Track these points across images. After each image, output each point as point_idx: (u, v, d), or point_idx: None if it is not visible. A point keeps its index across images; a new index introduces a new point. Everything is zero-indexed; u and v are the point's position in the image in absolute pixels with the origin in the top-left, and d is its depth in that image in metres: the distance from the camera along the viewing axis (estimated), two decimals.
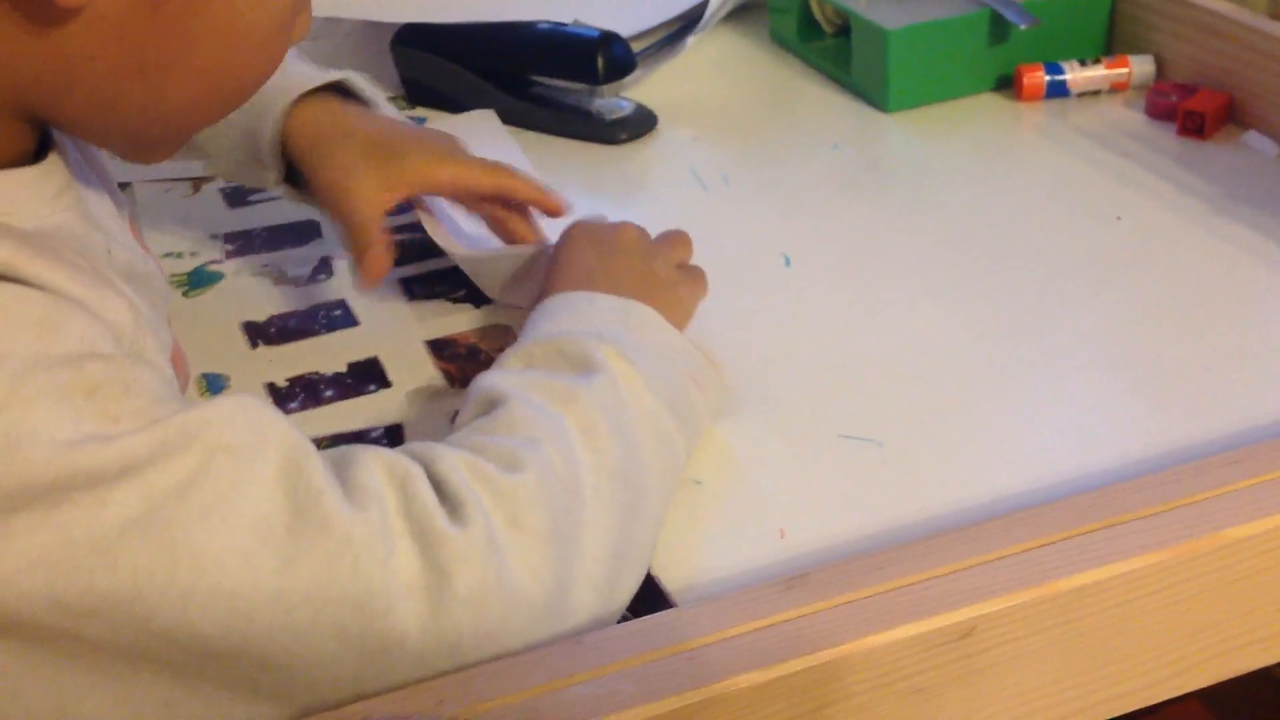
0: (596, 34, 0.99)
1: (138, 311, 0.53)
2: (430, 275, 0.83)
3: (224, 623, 0.47)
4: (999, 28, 1.00)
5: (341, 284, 0.83)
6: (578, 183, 0.96)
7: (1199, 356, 0.72)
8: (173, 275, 0.84)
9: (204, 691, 0.48)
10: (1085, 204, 0.87)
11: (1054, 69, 0.99)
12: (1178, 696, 0.58)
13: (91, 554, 0.45)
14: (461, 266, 0.79)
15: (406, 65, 1.06)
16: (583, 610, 0.54)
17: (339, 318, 0.80)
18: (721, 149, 0.98)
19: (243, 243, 0.88)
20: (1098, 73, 0.99)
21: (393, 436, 0.69)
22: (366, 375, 0.75)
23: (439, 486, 0.52)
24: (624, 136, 0.99)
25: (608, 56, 0.98)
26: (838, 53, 1.07)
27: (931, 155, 0.96)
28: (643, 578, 0.57)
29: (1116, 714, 0.57)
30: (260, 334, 0.79)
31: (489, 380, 0.60)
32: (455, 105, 1.03)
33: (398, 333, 0.78)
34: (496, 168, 0.78)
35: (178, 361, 0.60)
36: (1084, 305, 0.77)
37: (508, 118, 1.01)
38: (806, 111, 1.04)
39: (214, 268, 0.86)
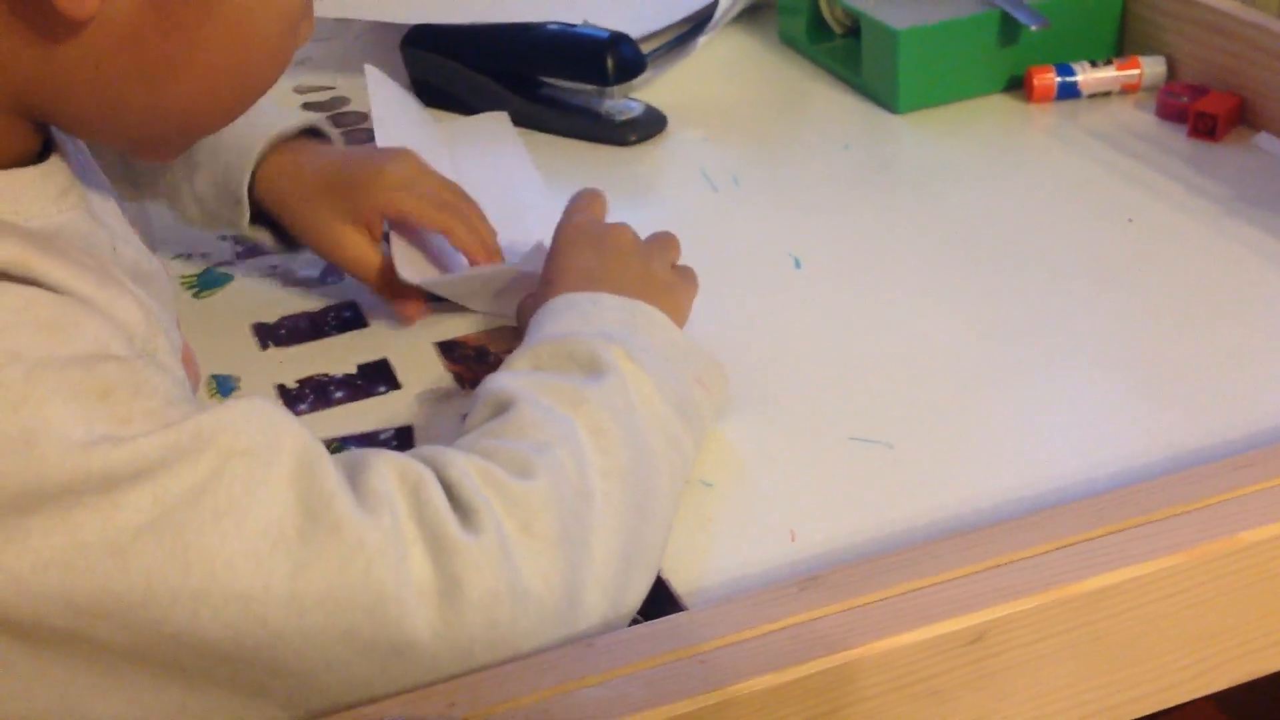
0: (606, 35, 0.99)
1: (148, 311, 0.53)
2: None
3: (236, 627, 0.47)
4: (1009, 29, 1.00)
5: (351, 285, 0.83)
6: (587, 184, 0.95)
7: (1211, 358, 0.71)
8: (183, 277, 0.84)
9: (216, 695, 0.48)
10: (1096, 205, 0.87)
11: (1065, 70, 0.99)
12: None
13: (104, 557, 0.45)
14: (436, 292, 0.78)
15: (416, 66, 1.06)
16: (593, 614, 0.53)
17: (349, 319, 0.80)
18: (731, 150, 0.98)
19: (252, 244, 0.88)
20: (1109, 74, 0.99)
21: (402, 438, 0.69)
22: (376, 377, 0.75)
23: (450, 492, 0.52)
24: (633, 138, 0.99)
25: (617, 57, 0.98)
26: (847, 53, 1.06)
27: (942, 156, 0.96)
28: (653, 581, 0.57)
29: (1134, 717, 0.57)
30: (270, 335, 0.79)
31: (498, 382, 0.60)
32: (465, 106, 1.03)
33: (407, 334, 0.78)
34: (445, 207, 0.77)
35: (188, 362, 0.60)
36: (1095, 307, 0.77)
37: (517, 119, 1.01)
38: (816, 112, 1.04)
39: (224, 269, 0.86)
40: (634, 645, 0.50)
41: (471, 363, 0.75)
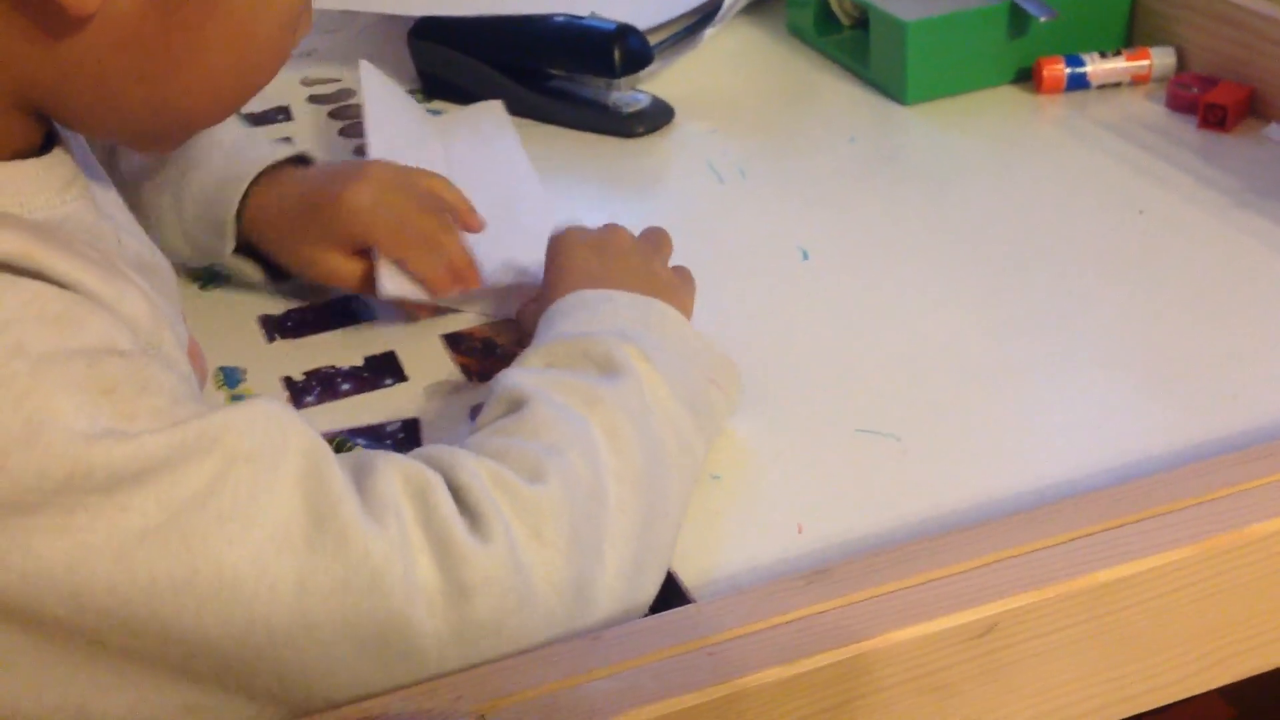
0: (613, 27, 0.99)
1: (154, 305, 0.53)
2: None
3: (241, 633, 0.46)
4: (1018, 20, 0.99)
5: None
6: (594, 176, 0.96)
7: (1222, 351, 0.71)
8: (190, 269, 0.84)
9: (223, 697, 0.48)
10: (1105, 197, 0.87)
11: (1074, 61, 0.99)
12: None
13: (110, 561, 0.45)
14: (440, 303, 0.77)
15: (423, 59, 1.06)
16: (602, 619, 0.53)
17: (355, 311, 0.80)
18: (738, 142, 0.98)
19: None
20: (1118, 65, 0.99)
21: (409, 430, 0.69)
22: (383, 369, 0.75)
23: (460, 496, 0.51)
24: (640, 130, 0.99)
25: (624, 49, 0.98)
26: (855, 45, 1.06)
27: (950, 148, 0.96)
28: (661, 583, 0.57)
29: (1140, 711, 0.57)
30: (277, 327, 0.79)
31: (512, 379, 0.60)
32: (471, 99, 1.02)
33: (414, 327, 0.78)
34: (406, 230, 0.75)
35: (195, 357, 0.60)
36: (1104, 299, 0.76)
37: (524, 111, 1.01)
38: (824, 104, 1.04)
39: None
40: (642, 637, 0.50)
41: (478, 355, 0.75)
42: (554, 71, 1.03)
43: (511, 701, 0.47)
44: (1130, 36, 1.03)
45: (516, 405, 0.58)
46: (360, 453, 0.53)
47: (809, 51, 1.11)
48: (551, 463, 0.54)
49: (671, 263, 0.75)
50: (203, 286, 0.83)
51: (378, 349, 0.76)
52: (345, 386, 0.73)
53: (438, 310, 0.78)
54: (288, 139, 1.02)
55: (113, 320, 0.49)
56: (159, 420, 0.47)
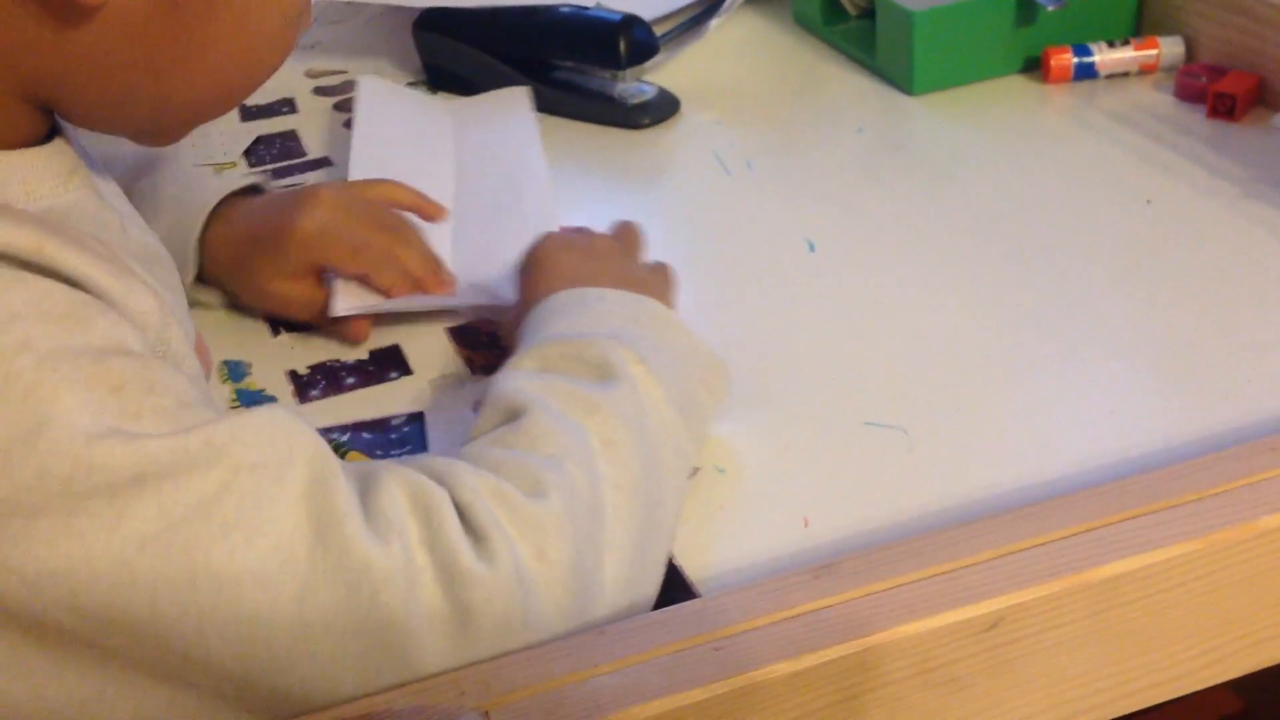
0: (618, 17, 0.98)
1: (162, 300, 0.53)
2: None
3: (241, 647, 0.46)
4: (1026, 9, 0.99)
5: None
6: (599, 168, 0.95)
7: (1229, 342, 0.71)
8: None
9: (225, 711, 0.47)
10: (1114, 188, 0.86)
11: (1082, 51, 0.98)
12: None
13: (110, 569, 0.44)
14: (383, 311, 0.76)
15: (428, 50, 1.06)
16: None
17: None
18: (745, 133, 0.97)
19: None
20: (1126, 54, 0.98)
21: (414, 424, 0.69)
22: (388, 362, 0.74)
23: (462, 515, 0.51)
24: (646, 121, 0.99)
25: (630, 40, 0.98)
26: (862, 35, 1.06)
27: (957, 139, 0.95)
28: (656, 594, 0.56)
29: (1149, 704, 0.57)
30: (281, 321, 0.78)
31: (508, 385, 0.58)
32: (477, 90, 1.02)
33: (419, 320, 0.78)
34: (361, 250, 0.74)
35: (200, 351, 0.60)
36: (1112, 290, 0.76)
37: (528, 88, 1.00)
38: (830, 95, 1.03)
39: None
40: (647, 632, 0.50)
41: (484, 349, 0.75)
42: (559, 63, 1.02)
43: (515, 697, 0.47)
44: (1138, 26, 1.02)
45: (514, 414, 0.57)
46: (364, 463, 0.53)
47: (815, 42, 1.10)
48: (552, 477, 0.53)
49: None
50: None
51: (382, 343, 0.76)
52: (350, 380, 0.73)
53: (371, 329, 0.76)
54: (287, 131, 1.02)
55: (121, 321, 0.49)
56: (164, 423, 0.46)
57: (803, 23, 1.12)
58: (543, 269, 0.69)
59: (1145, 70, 0.99)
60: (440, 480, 0.52)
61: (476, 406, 0.60)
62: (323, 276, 0.75)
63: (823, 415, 0.68)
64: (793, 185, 0.90)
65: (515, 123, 0.96)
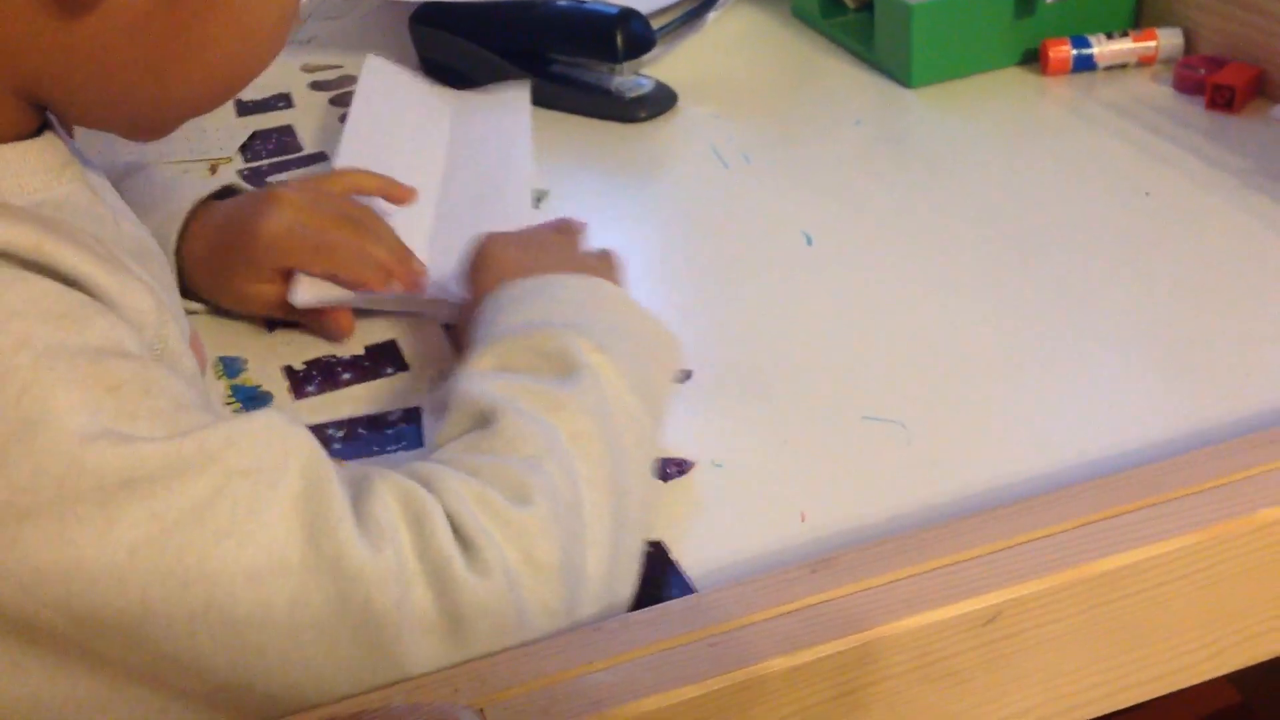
0: (615, 10, 0.98)
1: (159, 297, 0.53)
2: None
3: (233, 654, 0.46)
4: (1024, 1, 0.99)
5: None
6: (596, 162, 0.95)
7: (1229, 334, 0.70)
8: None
9: (220, 717, 0.47)
10: (1112, 180, 0.86)
11: (1080, 43, 0.98)
12: None
13: (102, 574, 0.44)
14: (344, 306, 0.76)
15: (424, 44, 1.06)
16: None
17: None
18: (742, 126, 0.97)
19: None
20: (1125, 46, 0.98)
21: (410, 419, 0.69)
22: (384, 358, 0.74)
23: (450, 521, 0.50)
24: (643, 114, 0.98)
25: (627, 33, 0.97)
26: (860, 28, 1.05)
27: (955, 131, 0.95)
28: (634, 587, 0.56)
29: (1146, 698, 0.56)
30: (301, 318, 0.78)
31: (473, 388, 0.57)
32: (474, 84, 1.02)
33: (415, 316, 0.77)
34: (322, 249, 0.73)
35: (195, 347, 0.60)
36: (1111, 282, 0.76)
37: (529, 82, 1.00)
38: (828, 88, 1.03)
39: None
40: (642, 629, 0.50)
41: None
42: (556, 56, 1.02)
43: (510, 695, 0.47)
44: (1137, 17, 1.02)
45: (485, 418, 0.56)
46: (355, 468, 0.52)
47: (813, 35, 1.10)
48: (534, 480, 0.52)
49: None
50: None
51: (379, 338, 0.76)
52: (346, 376, 0.73)
53: (359, 315, 0.76)
54: (285, 124, 1.02)
55: (119, 322, 0.49)
56: (160, 426, 0.46)
57: (800, 15, 1.12)
58: (489, 265, 0.69)
59: (1144, 62, 0.98)
60: (425, 486, 0.51)
61: (436, 410, 0.59)
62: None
63: (819, 409, 0.67)
64: (790, 178, 0.90)
65: (509, 119, 0.96)
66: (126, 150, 0.85)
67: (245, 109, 1.04)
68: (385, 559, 0.48)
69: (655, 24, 1.03)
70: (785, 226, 0.83)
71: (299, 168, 0.95)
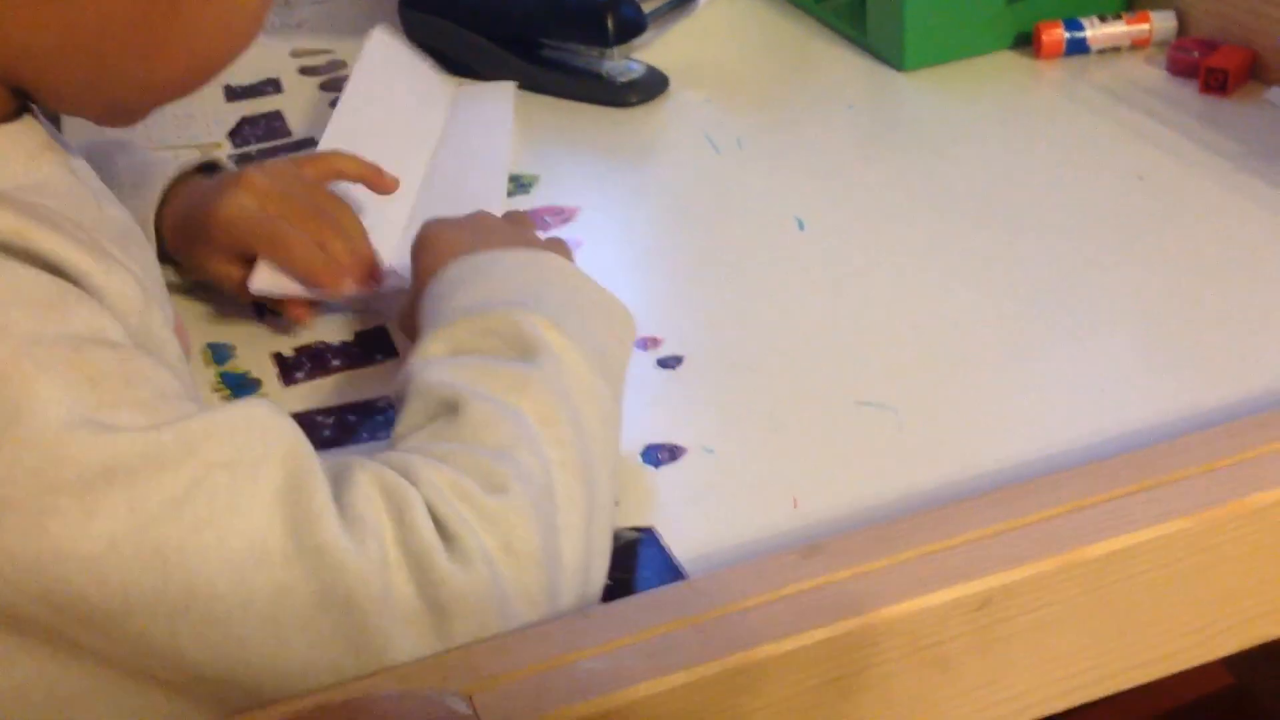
0: None
1: (142, 283, 0.52)
2: None
3: (215, 648, 0.45)
4: None
5: None
6: (587, 147, 0.95)
7: (1222, 318, 0.70)
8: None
9: (202, 709, 0.47)
10: (1106, 163, 0.86)
11: (1073, 25, 0.98)
12: None
13: (81, 566, 0.44)
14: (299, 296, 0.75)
15: (414, 29, 1.05)
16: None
17: None
18: (734, 111, 0.97)
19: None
20: (1118, 29, 0.98)
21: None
22: (374, 345, 0.74)
23: (430, 513, 0.50)
24: (635, 99, 0.98)
25: (618, 18, 0.97)
26: (853, 11, 1.05)
27: (948, 115, 0.95)
28: (607, 570, 0.55)
29: (1139, 682, 0.56)
30: (267, 304, 0.78)
31: (432, 377, 0.56)
32: (463, 69, 1.01)
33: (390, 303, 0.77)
34: (275, 238, 0.72)
35: (179, 333, 0.59)
36: (1105, 266, 0.76)
37: (516, 81, 0.99)
38: (821, 72, 1.02)
39: None
40: (633, 615, 0.49)
41: None
42: (547, 40, 1.01)
43: (500, 681, 0.46)
44: (1130, 0, 1.01)
45: (448, 407, 0.55)
46: (334, 459, 0.52)
47: (805, 18, 1.09)
48: (508, 468, 0.52)
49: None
50: None
51: (369, 325, 0.75)
52: (335, 363, 0.72)
53: (315, 307, 0.75)
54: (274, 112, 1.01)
55: (102, 311, 0.48)
56: (141, 415, 0.46)
57: None
58: (432, 247, 0.67)
59: (1137, 45, 0.98)
60: (400, 473, 0.51)
61: (396, 399, 0.58)
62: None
63: (811, 395, 0.67)
64: (783, 163, 0.89)
65: (492, 119, 0.95)
66: (113, 132, 0.85)
67: (234, 94, 1.03)
68: (367, 550, 0.47)
69: (646, 8, 1.02)
70: (777, 211, 0.83)
71: (288, 153, 0.94)
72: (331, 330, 0.75)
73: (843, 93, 0.98)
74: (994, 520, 0.53)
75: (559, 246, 0.70)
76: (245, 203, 0.73)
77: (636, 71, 0.99)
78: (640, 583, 0.56)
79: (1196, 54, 0.93)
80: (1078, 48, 0.98)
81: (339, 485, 0.49)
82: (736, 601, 0.50)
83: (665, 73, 1.00)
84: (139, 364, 0.48)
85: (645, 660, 0.47)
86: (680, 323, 0.73)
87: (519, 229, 0.70)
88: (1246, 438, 0.56)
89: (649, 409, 0.66)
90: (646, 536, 0.59)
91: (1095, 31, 0.98)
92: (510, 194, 0.87)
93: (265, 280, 0.72)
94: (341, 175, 0.78)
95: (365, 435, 0.67)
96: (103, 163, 0.71)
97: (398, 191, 0.80)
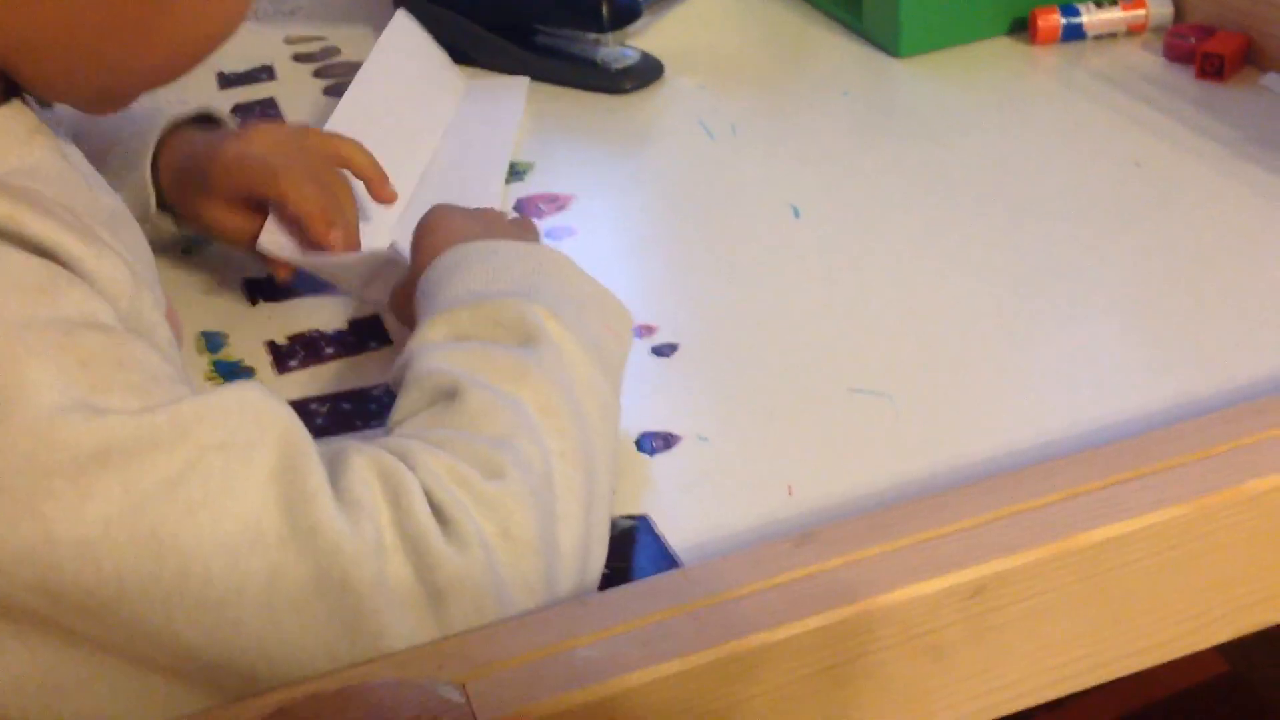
0: None
1: (133, 268, 0.52)
2: None
3: (210, 631, 0.45)
4: None
5: None
6: (582, 133, 0.94)
7: (1218, 304, 0.70)
8: (172, 232, 0.83)
9: (198, 696, 0.47)
10: (1102, 149, 0.85)
11: (1070, 11, 0.97)
12: None
13: (75, 551, 0.44)
14: (298, 265, 0.75)
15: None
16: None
17: None
18: (729, 98, 0.96)
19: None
20: (1114, 15, 0.97)
21: (394, 394, 0.68)
22: (368, 333, 0.74)
23: (427, 497, 0.50)
24: (630, 86, 0.98)
25: (612, 4, 0.97)
26: None
27: (944, 101, 0.94)
28: (604, 559, 0.55)
29: (1134, 670, 0.56)
30: (261, 291, 0.78)
31: (431, 363, 0.56)
32: (460, 56, 1.01)
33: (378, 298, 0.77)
34: (273, 180, 0.72)
35: (170, 318, 0.59)
36: (1101, 253, 0.75)
37: (511, 68, 0.99)
38: (816, 58, 1.02)
39: None
40: (627, 603, 0.49)
41: None
42: (542, 27, 1.01)
43: (495, 669, 0.46)
44: None
45: (446, 394, 0.55)
46: (331, 443, 0.52)
47: (800, 4, 1.09)
48: (506, 455, 0.52)
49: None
50: (187, 249, 0.82)
51: (362, 313, 0.75)
52: (329, 350, 0.72)
53: (299, 272, 0.75)
54: (267, 100, 1.01)
55: (93, 294, 0.48)
56: (133, 398, 0.46)
57: None
58: (435, 232, 0.67)
59: (1133, 30, 0.98)
60: (399, 458, 0.51)
61: (393, 385, 0.58)
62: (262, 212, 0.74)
63: (806, 382, 0.67)
64: (778, 150, 0.89)
65: (500, 116, 0.94)
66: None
67: (227, 81, 1.03)
68: (363, 533, 0.47)
69: None
70: (772, 198, 0.83)
71: None
72: (325, 318, 0.75)
73: (838, 79, 0.98)
74: (988, 508, 0.53)
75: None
76: (249, 150, 0.74)
77: (631, 58, 0.99)
78: (635, 571, 0.56)
79: (1193, 39, 0.93)
80: (1074, 33, 0.98)
81: (335, 468, 0.49)
82: (731, 589, 0.50)
83: (660, 59, 1.00)
84: (131, 348, 0.47)
85: (639, 648, 0.47)
86: (675, 310, 0.73)
87: (523, 233, 0.71)
88: (1242, 424, 0.56)
89: (644, 397, 0.66)
90: (641, 524, 0.59)
91: (1091, 17, 0.97)
92: (506, 181, 0.87)
93: (271, 240, 0.73)
94: (347, 164, 0.78)
95: (359, 423, 0.66)
96: (91, 126, 0.71)
97: (398, 175, 0.80)
